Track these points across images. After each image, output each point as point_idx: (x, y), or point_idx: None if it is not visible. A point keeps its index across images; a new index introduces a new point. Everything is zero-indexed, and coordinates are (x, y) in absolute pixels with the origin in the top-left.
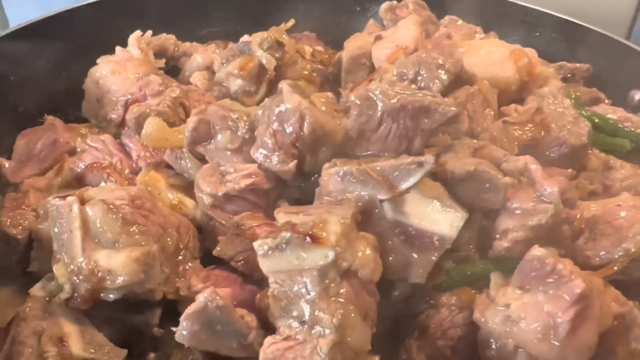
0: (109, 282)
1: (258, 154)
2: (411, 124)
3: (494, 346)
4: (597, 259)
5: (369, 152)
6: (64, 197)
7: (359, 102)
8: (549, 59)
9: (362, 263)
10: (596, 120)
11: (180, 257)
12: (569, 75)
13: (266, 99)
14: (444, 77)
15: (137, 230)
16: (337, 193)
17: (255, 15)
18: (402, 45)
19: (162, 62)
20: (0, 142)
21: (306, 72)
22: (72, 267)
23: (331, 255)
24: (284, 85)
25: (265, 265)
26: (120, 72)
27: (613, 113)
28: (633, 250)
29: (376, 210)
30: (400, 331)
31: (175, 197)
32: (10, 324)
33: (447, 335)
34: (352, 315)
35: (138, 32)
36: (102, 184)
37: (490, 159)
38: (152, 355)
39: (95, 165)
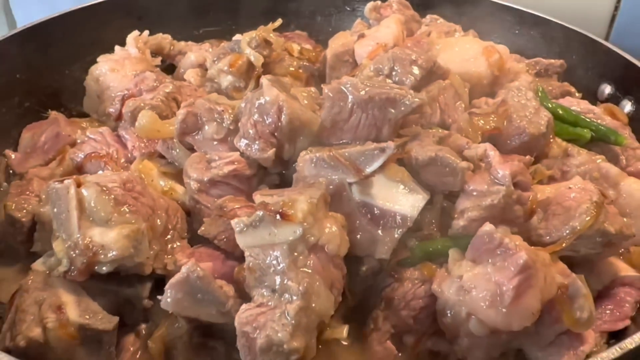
0: (102, 256)
1: (241, 142)
2: (379, 114)
3: (449, 314)
4: (548, 237)
5: (342, 141)
6: (62, 181)
7: (331, 95)
8: (527, 55)
9: (329, 239)
10: (560, 111)
11: (169, 237)
12: (542, 70)
13: (249, 93)
14: (417, 72)
15: (127, 210)
16: (311, 177)
17: (249, 16)
18: (382, 42)
19: (158, 60)
20: (7, 135)
21: (292, 69)
22: (69, 243)
23: (299, 230)
24: (264, 80)
25: (241, 241)
26: (119, 70)
27: (577, 105)
28: (579, 227)
29: (345, 193)
30: (370, 303)
31: (167, 184)
32: (14, 296)
33: (410, 306)
34: (317, 284)
35: (136, 32)
36: (100, 172)
37: (454, 147)
38: (142, 325)
39: (93, 154)
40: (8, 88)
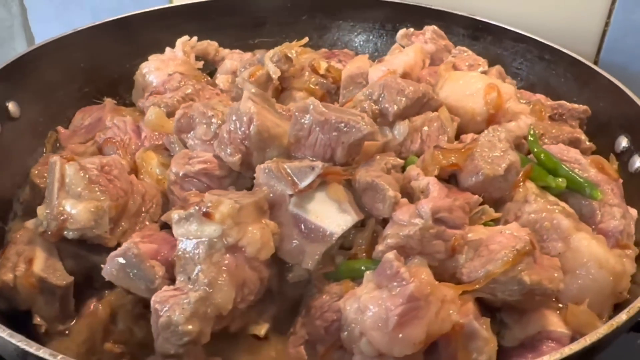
0: (69, 224)
1: (216, 145)
2: (333, 136)
3: (346, 330)
4: (465, 276)
5: (304, 156)
6: (60, 156)
7: (297, 113)
8: (556, 97)
9: (249, 242)
10: (542, 156)
11: (140, 218)
12: (558, 114)
13: (234, 103)
14: (401, 101)
15: (97, 189)
16: (264, 185)
17: (302, 30)
18: (392, 69)
19: (200, 64)
20: (63, 114)
21: (311, 85)
22: (48, 209)
23: (218, 230)
24: (244, 92)
25: (175, 231)
26: (162, 69)
27: (566, 153)
28: (493, 271)
29: (284, 203)
30: (298, 309)
31: (162, 173)
32: (6, 246)
33: (324, 317)
34: (222, 279)
35: (185, 37)
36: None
37: (406, 176)
38: (107, 292)
39: (109, 139)
40: (71, 74)
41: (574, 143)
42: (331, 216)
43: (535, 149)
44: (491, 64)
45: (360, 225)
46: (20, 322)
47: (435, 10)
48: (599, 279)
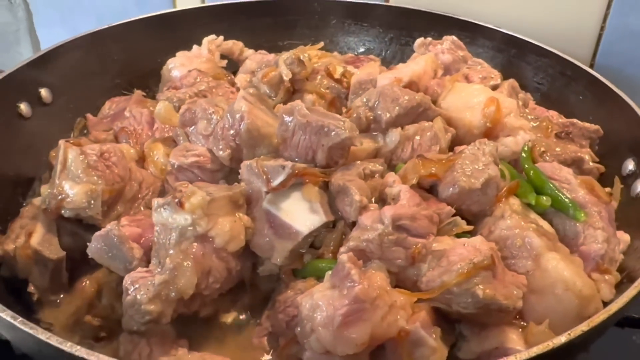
0: (65, 203)
1: (210, 139)
2: (314, 138)
3: (300, 326)
4: (424, 285)
5: (290, 157)
6: (67, 141)
7: (283, 114)
8: (570, 115)
9: (217, 233)
10: (531, 173)
11: (136, 204)
12: (564, 133)
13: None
14: (394, 109)
15: (94, 174)
16: (246, 180)
17: (331, 35)
18: (399, 77)
19: (224, 62)
20: (93, 103)
21: (321, 88)
22: (50, 188)
23: (188, 219)
24: (240, 92)
25: (154, 217)
26: (186, 65)
27: (558, 172)
28: (448, 282)
29: (260, 199)
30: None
31: (166, 163)
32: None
33: (286, 311)
34: (186, 266)
35: (212, 36)
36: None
37: (383, 182)
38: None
39: (123, 129)
40: (104, 66)
41: (576, 163)
42: (301, 215)
43: (526, 165)
44: (514, 77)
45: (332, 227)
46: (23, 290)
47: (461, 21)
48: (564, 300)
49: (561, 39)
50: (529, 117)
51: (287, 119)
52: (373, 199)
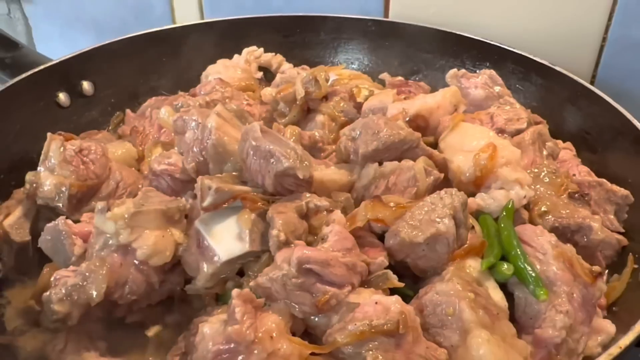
0: (38, 192)
1: (183, 149)
2: (263, 163)
3: (191, 353)
4: (324, 337)
5: (247, 177)
6: (60, 134)
7: (243, 134)
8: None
9: (140, 245)
10: (502, 236)
11: (111, 201)
12: (582, 194)
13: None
14: (372, 144)
15: (67, 167)
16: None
17: (383, 57)
18: (407, 109)
19: (260, 74)
20: (135, 100)
21: (335, 111)
22: (32, 175)
23: (113, 227)
24: (217, 106)
25: (95, 220)
26: (222, 73)
27: (537, 239)
28: (339, 340)
29: (198, 217)
30: None
31: None
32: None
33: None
34: (97, 273)
35: (253, 47)
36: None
37: (327, 220)
38: None
39: (134, 128)
40: (151, 68)
41: (582, 231)
42: (226, 241)
43: (502, 225)
44: (562, 122)
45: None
46: None
47: (516, 54)
48: None
49: (562, 51)
50: (544, 170)
51: (245, 139)
52: (304, 236)
